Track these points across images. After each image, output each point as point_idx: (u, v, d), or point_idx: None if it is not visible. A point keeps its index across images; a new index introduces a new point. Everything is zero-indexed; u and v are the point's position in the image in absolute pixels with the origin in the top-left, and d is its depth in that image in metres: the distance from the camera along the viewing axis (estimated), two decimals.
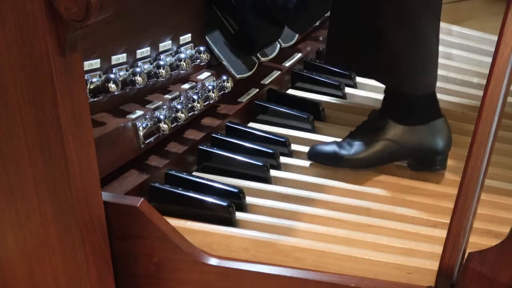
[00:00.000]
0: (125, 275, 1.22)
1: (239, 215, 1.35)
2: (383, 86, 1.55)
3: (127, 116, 1.37)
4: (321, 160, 1.53)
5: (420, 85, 1.47)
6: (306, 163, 1.54)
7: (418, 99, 1.48)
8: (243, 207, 1.39)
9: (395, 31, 1.41)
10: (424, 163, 1.51)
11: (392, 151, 1.49)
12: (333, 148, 1.52)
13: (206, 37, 1.64)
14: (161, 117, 1.39)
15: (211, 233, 1.29)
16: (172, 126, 1.42)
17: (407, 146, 1.48)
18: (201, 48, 1.54)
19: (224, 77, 1.57)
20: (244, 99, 1.72)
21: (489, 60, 1.12)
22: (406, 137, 1.47)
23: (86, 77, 1.26)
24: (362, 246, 1.28)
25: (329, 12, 1.55)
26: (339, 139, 1.55)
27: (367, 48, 1.47)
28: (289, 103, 1.76)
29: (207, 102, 1.54)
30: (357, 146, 1.50)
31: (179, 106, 1.44)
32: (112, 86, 1.29)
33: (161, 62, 1.42)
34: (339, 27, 1.51)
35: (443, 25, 2.23)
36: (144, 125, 1.38)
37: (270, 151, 1.55)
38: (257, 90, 1.76)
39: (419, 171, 1.52)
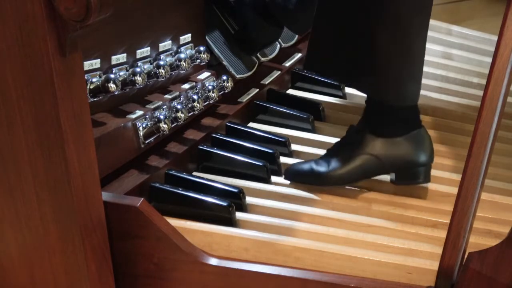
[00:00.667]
0: (125, 275, 1.22)
1: (239, 215, 1.35)
2: None
3: (127, 116, 1.37)
4: (299, 179, 1.47)
5: (405, 96, 1.43)
6: None
7: (400, 111, 1.43)
8: (243, 207, 1.39)
9: (384, 40, 1.37)
10: (407, 176, 1.45)
11: (372, 166, 1.43)
12: (310, 166, 1.46)
13: (206, 37, 1.64)
14: (161, 117, 1.39)
15: (211, 233, 1.29)
16: (172, 126, 1.42)
17: (387, 160, 1.43)
18: (201, 48, 1.54)
19: (224, 77, 1.57)
20: (244, 99, 1.72)
21: (489, 60, 1.12)
22: (386, 150, 1.42)
23: (86, 77, 1.26)
24: (362, 246, 1.28)
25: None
26: (338, 139, 1.53)
27: (354, 57, 1.42)
28: (289, 103, 1.76)
29: (207, 102, 1.54)
30: (335, 162, 1.44)
31: (179, 106, 1.44)
32: (112, 86, 1.29)
33: (161, 62, 1.42)
34: (324, 32, 1.45)
35: (443, 25, 2.25)
36: (144, 125, 1.38)
37: (270, 151, 1.55)
38: (257, 90, 1.76)
39: (402, 185, 1.46)
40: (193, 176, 1.45)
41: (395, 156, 1.43)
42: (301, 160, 1.53)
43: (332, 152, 1.48)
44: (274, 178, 1.50)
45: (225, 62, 1.67)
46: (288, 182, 1.49)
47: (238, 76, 1.69)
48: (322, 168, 1.44)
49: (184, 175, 1.43)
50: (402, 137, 1.43)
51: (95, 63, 1.32)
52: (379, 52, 1.38)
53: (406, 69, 1.41)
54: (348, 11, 1.40)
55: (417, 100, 1.45)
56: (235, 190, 1.39)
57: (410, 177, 1.45)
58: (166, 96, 1.49)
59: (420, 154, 1.43)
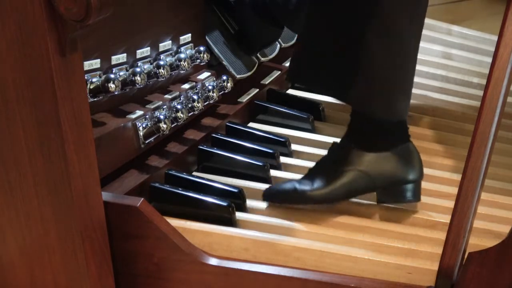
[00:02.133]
0: (125, 275, 1.22)
1: (239, 215, 1.35)
2: None
3: (127, 116, 1.37)
4: (279, 199, 1.38)
5: (394, 111, 1.36)
6: (306, 163, 1.54)
7: (388, 124, 1.36)
8: (243, 207, 1.39)
9: (377, 52, 1.30)
10: (394, 194, 1.38)
11: (361, 182, 1.35)
12: (292, 185, 1.37)
13: (206, 37, 1.64)
14: (161, 117, 1.39)
15: (211, 233, 1.29)
16: (172, 126, 1.42)
17: (376, 175, 1.35)
18: (201, 48, 1.54)
19: (224, 77, 1.57)
20: (244, 99, 1.72)
21: (489, 60, 1.12)
22: (374, 165, 1.35)
23: (86, 77, 1.26)
24: (362, 246, 1.28)
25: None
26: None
27: (343, 68, 1.34)
28: (289, 103, 1.76)
29: (207, 102, 1.54)
30: (319, 180, 1.35)
31: (179, 106, 1.44)
32: (112, 86, 1.29)
33: (161, 62, 1.42)
34: (308, 43, 1.38)
35: (443, 25, 2.25)
36: (144, 125, 1.38)
37: (270, 151, 1.55)
38: (257, 90, 1.76)
39: (388, 203, 1.40)
40: (193, 176, 1.45)
41: (384, 171, 1.35)
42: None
43: (316, 170, 1.40)
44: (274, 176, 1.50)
45: (225, 62, 1.67)
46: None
47: (238, 76, 1.69)
48: (305, 187, 1.36)
49: (184, 175, 1.43)
50: (390, 151, 1.36)
51: (95, 63, 1.32)
52: (371, 65, 1.31)
53: (398, 83, 1.35)
54: (339, 21, 1.34)
55: (406, 115, 1.38)
56: (235, 190, 1.39)
57: (398, 195, 1.38)
58: (166, 96, 1.49)
59: (409, 169, 1.37)
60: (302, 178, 1.40)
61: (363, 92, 1.34)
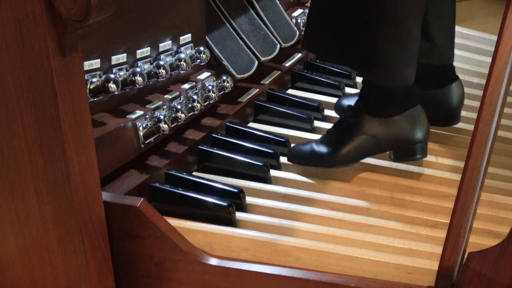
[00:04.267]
0: (125, 275, 1.22)
1: (239, 215, 1.35)
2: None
3: (127, 116, 1.37)
4: (301, 160, 1.52)
5: (399, 77, 1.44)
6: None
7: (395, 91, 1.46)
8: (243, 207, 1.39)
9: (377, 21, 1.39)
10: (405, 153, 1.49)
11: (371, 145, 1.48)
12: (311, 147, 1.51)
13: (206, 37, 1.64)
14: (161, 117, 1.39)
15: (211, 233, 1.29)
16: (172, 126, 1.42)
17: (384, 139, 1.47)
18: (201, 48, 1.54)
19: (224, 77, 1.57)
20: (244, 99, 1.72)
21: (489, 60, 1.12)
22: (383, 130, 1.46)
23: (86, 77, 1.26)
24: (362, 246, 1.28)
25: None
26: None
27: (348, 37, 1.44)
28: (289, 103, 1.76)
29: (207, 102, 1.54)
30: (334, 143, 1.48)
31: (179, 106, 1.44)
32: (112, 86, 1.29)
33: (161, 62, 1.42)
34: (319, 13, 1.48)
35: None
36: (144, 125, 1.38)
37: (270, 151, 1.55)
38: (257, 90, 1.76)
39: (400, 161, 1.52)
40: (193, 176, 1.45)
41: (392, 135, 1.47)
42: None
43: (332, 133, 1.52)
44: (274, 176, 1.50)
45: (225, 62, 1.67)
46: (290, 177, 1.50)
47: (238, 76, 1.69)
48: (322, 149, 1.49)
49: (184, 175, 1.43)
50: (398, 116, 1.46)
51: (95, 63, 1.32)
52: (373, 35, 1.39)
53: (400, 52, 1.43)
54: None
55: (412, 81, 1.46)
56: (235, 190, 1.39)
57: (408, 154, 1.49)
58: (166, 96, 1.49)
59: (416, 131, 1.47)
60: (320, 140, 1.52)
61: (369, 61, 1.43)
